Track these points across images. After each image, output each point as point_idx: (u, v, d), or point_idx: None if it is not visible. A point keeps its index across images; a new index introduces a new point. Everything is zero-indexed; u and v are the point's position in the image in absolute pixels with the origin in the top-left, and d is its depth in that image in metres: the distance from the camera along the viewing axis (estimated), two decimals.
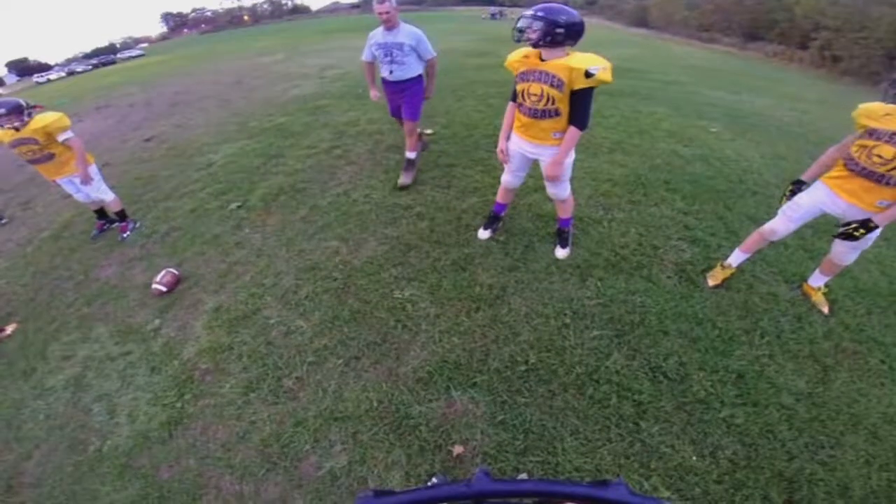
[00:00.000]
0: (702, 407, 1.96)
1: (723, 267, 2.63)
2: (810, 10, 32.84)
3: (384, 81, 3.60)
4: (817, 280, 2.51)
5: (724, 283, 2.62)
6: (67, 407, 2.38)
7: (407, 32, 3.32)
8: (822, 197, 2.17)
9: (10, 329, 3.03)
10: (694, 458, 1.78)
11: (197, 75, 14.58)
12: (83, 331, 2.89)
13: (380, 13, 3.20)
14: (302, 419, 2.06)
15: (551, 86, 2.09)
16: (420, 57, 3.44)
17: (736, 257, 2.59)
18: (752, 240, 2.51)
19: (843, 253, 2.29)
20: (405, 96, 3.58)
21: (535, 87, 2.15)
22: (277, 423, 2.06)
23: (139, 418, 2.22)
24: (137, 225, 3.99)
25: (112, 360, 2.61)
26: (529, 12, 2.03)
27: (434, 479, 1.80)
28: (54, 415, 2.36)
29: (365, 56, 3.56)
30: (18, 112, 3.23)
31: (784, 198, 2.34)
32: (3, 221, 4.97)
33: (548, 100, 2.14)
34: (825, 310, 2.47)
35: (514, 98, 2.41)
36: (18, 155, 3.41)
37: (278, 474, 1.87)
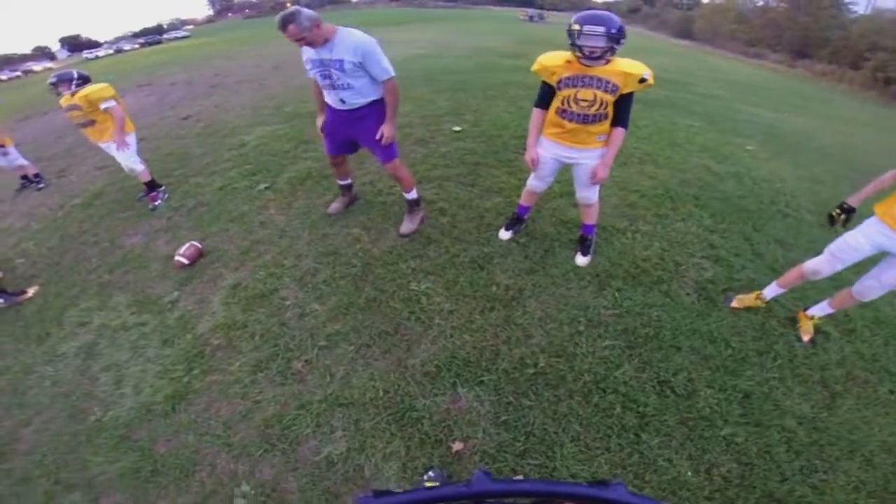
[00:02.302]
0: (704, 423, 1.94)
1: (757, 298, 2.52)
2: (868, 30, 31.52)
3: (330, 110, 2.73)
4: (822, 310, 2.37)
5: (745, 309, 2.55)
6: (75, 375, 2.44)
7: (349, 44, 2.37)
8: (876, 236, 1.99)
9: (31, 291, 3.16)
10: (689, 473, 1.77)
11: (238, 59, 14.93)
12: (102, 298, 2.98)
13: (295, 41, 2.32)
14: (306, 402, 2.08)
15: (606, 91, 2.11)
16: (372, 78, 2.51)
17: (772, 290, 2.48)
18: (792, 276, 2.36)
19: (872, 289, 2.13)
20: (363, 130, 2.69)
21: (587, 93, 2.15)
22: (281, 405, 2.09)
23: (144, 390, 2.27)
24: (167, 195, 4.12)
25: (126, 329, 2.68)
26: (599, 28, 1.96)
27: (430, 473, 1.82)
28: (61, 382, 2.42)
29: (308, 73, 2.64)
30: (68, 81, 3.68)
31: (834, 224, 2.19)
32: (41, 186, 5.20)
33: (600, 104, 2.16)
34: (806, 338, 2.37)
35: (542, 104, 2.39)
36: (70, 119, 3.81)
37: (275, 456, 1.89)
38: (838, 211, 2.19)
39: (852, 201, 2.14)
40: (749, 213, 3.62)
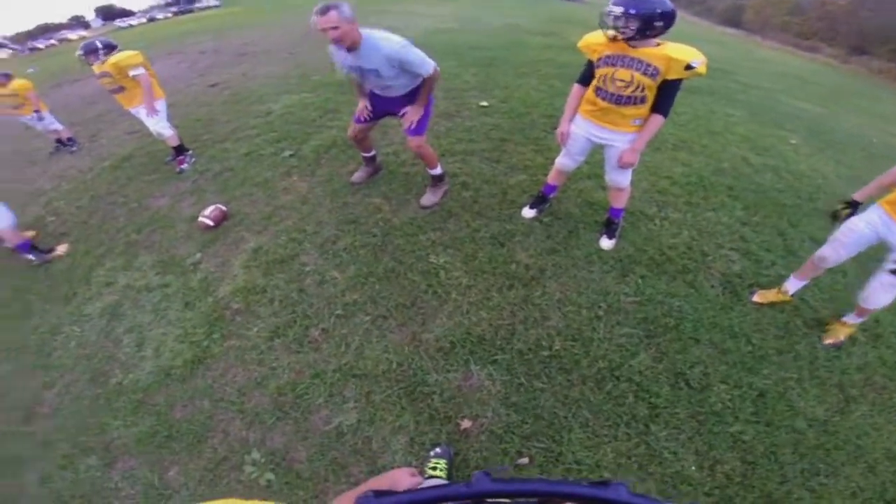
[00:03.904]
0: (714, 419, 1.91)
1: (779, 292, 2.44)
2: None
3: (371, 92, 2.73)
4: (852, 319, 2.27)
5: (770, 305, 2.46)
6: (99, 336, 2.50)
7: (380, 55, 2.29)
8: (877, 222, 1.97)
9: (61, 249, 3.25)
10: (693, 467, 1.76)
11: (268, 27, 14.87)
12: (128, 258, 3.05)
13: (323, 30, 2.17)
14: (321, 371, 2.10)
15: (644, 74, 2.01)
16: (413, 74, 2.48)
17: (792, 284, 2.40)
18: (807, 266, 2.33)
19: (879, 291, 2.04)
20: (402, 106, 2.69)
21: (624, 73, 2.05)
22: (296, 373, 2.11)
23: (164, 354, 2.31)
24: (193, 159, 4.17)
25: (150, 290, 2.73)
26: (618, 9, 1.90)
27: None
28: (85, 343, 2.48)
29: (341, 70, 2.61)
30: (94, 52, 3.74)
31: (837, 220, 2.15)
32: (73, 149, 5.37)
33: (637, 87, 2.06)
34: (828, 341, 2.28)
35: (583, 81, 2.32)
36: (102, 85, 3.90)
37: (287, 424, 1.92)
38: (843, 205, 2.15)
39: (858, 196, 2.12)
40: (785, 207, 3.46)
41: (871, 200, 2.07)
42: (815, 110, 8.52)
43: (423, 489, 0.49)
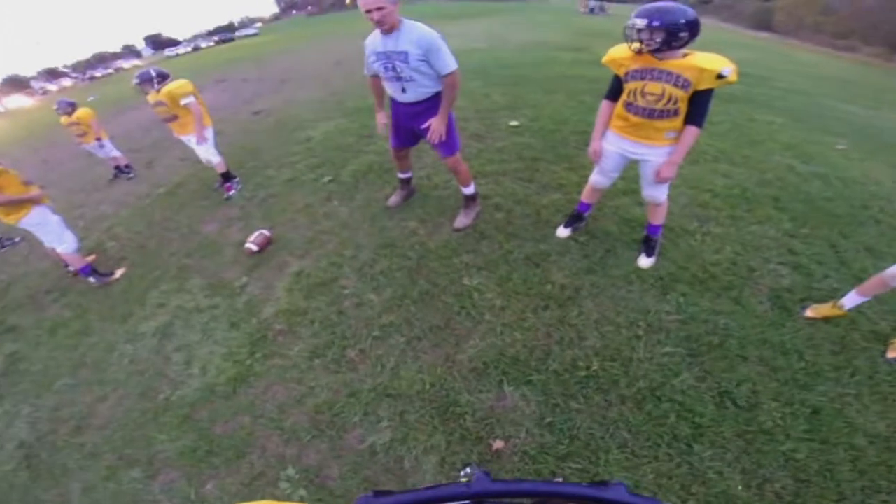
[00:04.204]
0: (764, 437, 1.83)
1: (834, 307, 2.30)
2: None
3: (393, 102, 2.75)
4: None
5: (824, 319, 2.34)
6: (151, 353, 2.66)
7: (413, 36, 2.34)
8: None
9: (119, 273, 3.51)
10: (740, 487, 1.68)
11: (303, 55, 15.63)
12: (180, 281, 3.24)
13: (367, 11, 2.20)
14: (357, 391, 2.15)
15: (675, 86, 1.99)
16: (435, 71, 2.47)
17: (852, 300, 2.25)
18: (873, 283, 2.17)
19: None
20: (424, 124, 2.66)
21: (655, 87, 2.04)
22: (333, 392, 2.17)
23: (210, 372, 2.43)
24: (240, 186, 4.41)
25: (200, 311, 2.89)
26: (642, 21, 1.90)
27: (467, 469, 1.80)
28: (138, 360, 2.64)
29: (366, 69, 2.69)
30: (149, 80, 3.97)
31: None
32: (131, 176, 5.78)
33: (669, 99, 2.03)
34: (891, 354, 2.15)
35: (611, 96, 2.31)
36: (157, 114, 4.14)
37: (323, 442, 1.97)
38: None
39: None
40: (836, 217, 3.29)
41: None
42: (863, 113, 8.08)
43: (423, 489, 0.49)
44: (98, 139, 5.64)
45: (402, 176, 3.40)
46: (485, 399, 2.04)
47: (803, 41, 35.41)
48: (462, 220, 3.14)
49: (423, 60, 2.38)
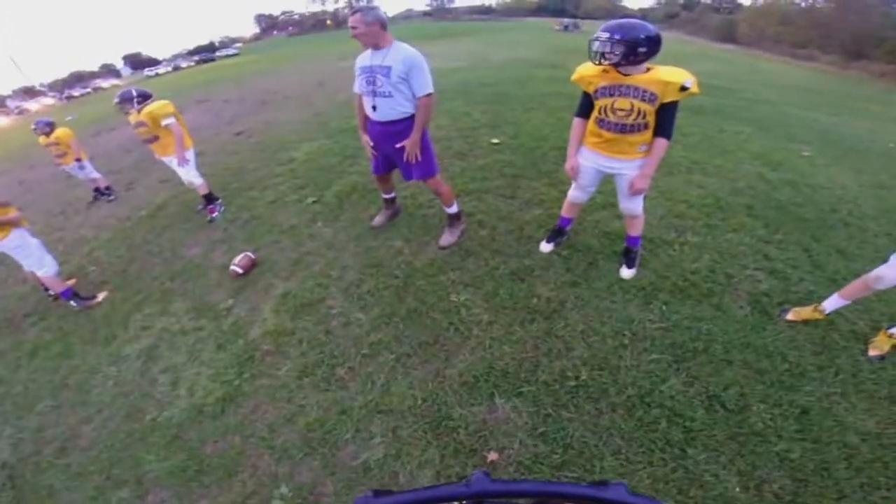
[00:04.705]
0: (756, 439, 1.87)
1: (815, 310, 2.39)
2: None
3: (370, 123, 2.79)
4: None
5: (804, 322, 2.43)
6: (136, 376, 2.62)
7: (400, 55, 2.47)
8: None
9: (101, 296, 3.43)
10: (738, 489, 1.71)
11: (284, 75, 15.70)
12: (163, 304, 3.19)
13: (350, 27, 2.45)
14: (348, 408, 2.14)
15: (643, 100, 2.07)
16: (412, 91, 2.57)
17: (834, 303, 2.33)
18: (855, 287, 2.24)
19: None
20: (399, 149, 2.73)
21: (624, 103, 2.12)
22: (324, 410, 2.16)
23: (198, 392, 2.39)
24: (223, 208, 4.37)
25: (185, 334, 2.85)
26: (604, 35, 2.00)
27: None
28: (122, 382, 2.59)
29: (355, 86, 2.74)
30: (130, 100, 3.91)
31: None
32: (112, 198, 5.66)
33: (638, 114, 2.11)
34: (873, 353, 2.23)
35: (582, 113, 2.38)
36: (138, 135, 4.07)
37: (315, 459, 1.95)
38: None
39: None
40: (807, 222, 3.44)
41: None
42: (825, 119, 8.49)
43: (423, 489, 0.49)
44: (78, 160, 5.50)
45: (386, 196, 3.44)
46: (477, 412, 2.05)
47: (765, 51, 37.09)
48: (447, 239, 3.19)
49: (403, 79, 2.49)
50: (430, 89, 2.55)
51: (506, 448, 1.90)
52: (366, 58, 2.58)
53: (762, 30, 42.00)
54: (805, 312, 2.42)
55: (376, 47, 2.51)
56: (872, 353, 2.23)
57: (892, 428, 1.91)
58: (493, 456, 1.86)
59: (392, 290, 2.84)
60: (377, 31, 2.44)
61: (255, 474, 1.95)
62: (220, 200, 4.43)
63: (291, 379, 2.35)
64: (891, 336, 2.24)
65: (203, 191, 4.24)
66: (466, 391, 2.15)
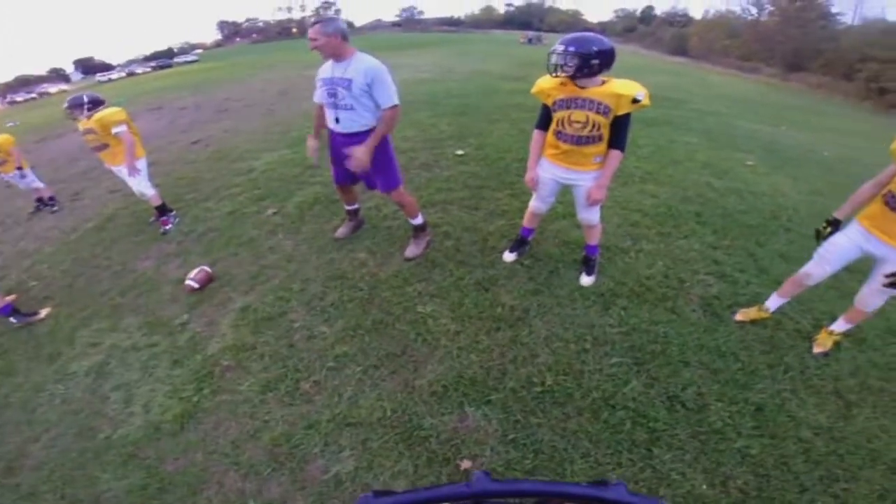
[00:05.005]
0: (717, 437, 1.94)
1: (760, 310, 2.55)
2: (858, 41, 31.85)
3: (332, 134, 2.75)
4: (840, 326, 2.37)
5: (752, 322, 2.57)
6: (85, 393, 2.47)
7: (361, 66, 2.45)
8: (858, 238, 2.08)
9: (43, 313, 3.21)
10: (704, 486, 1.76)
11: (246, 83, 15.31)
12: (113, 320, 3.02)
13: (310, 38, 2.43)
14: (315, 422, 2.09)
15: (598, 112, 2.14)
16: (376, 103, 2.55)
17: (774, 301, 2.51)
18: (790, 283, 2.43)
19: (870, 297, 2.14)
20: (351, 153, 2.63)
21: (580, 115, 2.19)
22: (290, 424, 2.10)
23: (154, 409, 2.28)
24: (177, 220, 4.20)
25: (137, 350, 2.71)
26: (561, 47, 2.08)
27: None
28: (71, 400, 2.45)
29: (315, 96, 2.74)
30: (80, 106, 3.75)
31: (820, 238, 2.25)
32: (56, 209, 5.32)
33: (593, 126, 2.19)
34: (818, 350, 2.38)
35: (542, 126, 2.45)
36: (86, 142, 3.90)
37: (283, 475, 1.90)
38: (825, 224, 2.23)
39: (838, 214, 2.20)
40: (751, 228, 3.65)
41: (850, 218, 2.17)
42: (767, 130, 9.07)
43: (423, 489, 0.49)
44: (19, 168, 5.13)
45: (349, 208, 3.40)
46: (448, 421, 2.05)
47: (714, 64, 39.38)
48: (412, 250, 3.17)
49: (366, 91, 2.47)
50: (395, 101, 2.53)
51: (478, 455, 1.90)
52: (327, 69, 2.55)
53: (711, 43, 44.58)
54: (752, 313, 2.57)
55: (337, 59, 2.49)
56: (817, 350, 2.38)
57: (842, 422, 2.03)
58: (466, 464, 1.87)
59: (357, 303, 2.81)
60: (337, 42, 2.43)
61: (222, 491, 1.87)
62: (174, 212, 4.25)
63: (254, 394, 2.27)
64: (831, 333, 2.40)
65: (156, 202, 4.06)
66: (436, 401, 2.15)
